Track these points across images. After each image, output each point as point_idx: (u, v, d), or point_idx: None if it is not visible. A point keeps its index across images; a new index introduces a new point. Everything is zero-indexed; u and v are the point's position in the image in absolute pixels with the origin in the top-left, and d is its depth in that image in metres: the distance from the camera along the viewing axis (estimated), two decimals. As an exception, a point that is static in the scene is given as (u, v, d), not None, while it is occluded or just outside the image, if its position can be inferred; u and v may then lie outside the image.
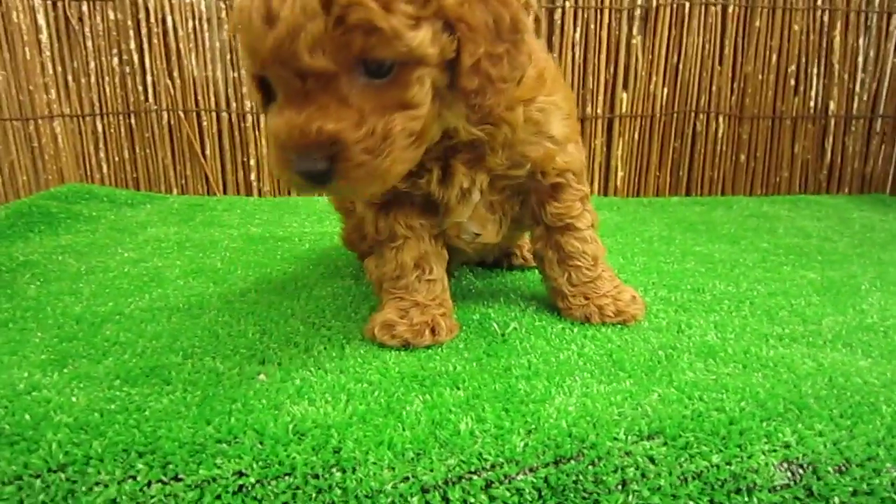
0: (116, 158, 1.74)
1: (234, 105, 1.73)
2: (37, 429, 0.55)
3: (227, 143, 1.75)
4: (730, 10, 1.72)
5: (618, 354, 0.71)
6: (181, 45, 1.68)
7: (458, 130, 0.70)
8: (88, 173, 1.73)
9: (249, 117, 1.73)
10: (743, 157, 1.80)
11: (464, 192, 0.77)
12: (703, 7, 1.71)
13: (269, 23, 0.53)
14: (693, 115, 1.78)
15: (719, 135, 1.79)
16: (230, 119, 1.73)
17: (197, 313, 0.84)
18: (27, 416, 0.56)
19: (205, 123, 1.73)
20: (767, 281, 1.00)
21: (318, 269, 1.05)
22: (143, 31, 1.67)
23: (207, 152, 1.75)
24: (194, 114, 1.73)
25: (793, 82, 1.76)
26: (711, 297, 0.91)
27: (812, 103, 1.78)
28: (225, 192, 1.78)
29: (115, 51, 1.68)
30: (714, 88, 1.76)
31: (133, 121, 1.73)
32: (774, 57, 1.74)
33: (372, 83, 0.56)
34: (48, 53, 1.62)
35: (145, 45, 1.68)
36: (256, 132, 1.74)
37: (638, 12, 1.71)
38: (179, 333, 0.77)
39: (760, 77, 1.75)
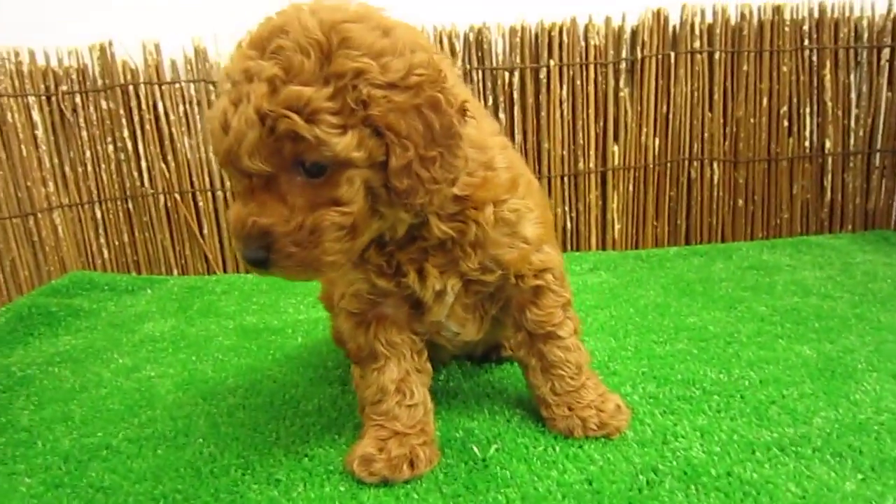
0: (116, 243, 1.77)
1: (227, 184, 1.75)
2: None
3: (224, 222, 1.77)
4: (716, 56, 1.71)
5: (598, 482, 0.70)
6: (174, 130, 1.71)
7: (431, 227, 0.71)
8: (90, 259, 1.75)
9: (244, 194, 1.75)
10: (741, 202, 1.78)
11: (438, 293, 0.77)
12: (688, 56, 1.70)
13: (224, 130, 0.60)
14: (687, 162, 1.76)
15: (715, 181, 1.77)
16: (225, 197, 1.75)
17: (182, 443, 0.85)
18: None
19: (201, 203, 1.75)
20: (761, 364, 0.98)
21: (307, 374, 1.05)
22: (136, 118, 1.70)
23: (205, 231, 1.77)
24: (190, 195, 1.75)
25: (786, 123, 1.74)
26: (701, 392, 0.90)
27: (807, 143, 1.75)
28: (225, 270, 1.80)
29: (109, 139, 1.71)
30: (706, 135, 1.75)
31: (131, 205, 1.75)
32: (765, 100, 1.73)
33: (309, 181, 0.62)
34: (44, 147, 1.65)
35: (138, 132, 1.71)
36: (252, 208, 1.76)
37: (623, 65, 1.71)
38: (163, 473, 0.77)
39: (753, 120, 1.74)
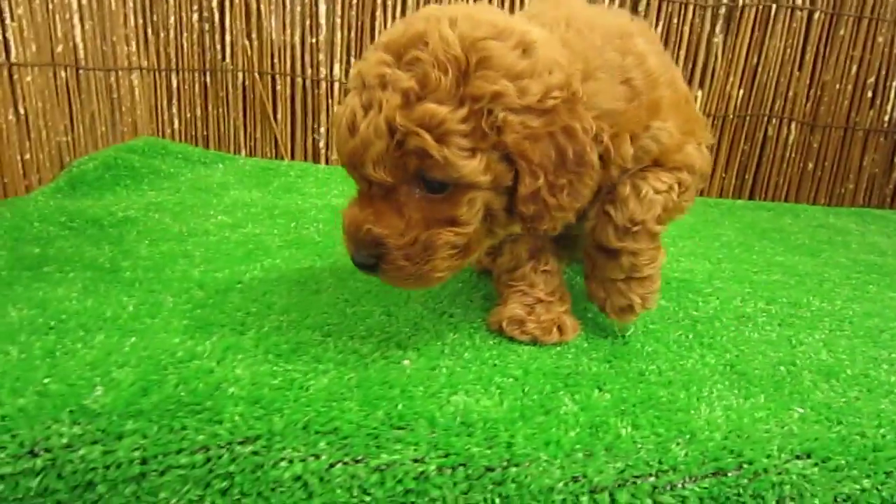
0: (188, 115, 1.75)
1: (309, 71, 1.73)
2: (213, 399, 0.57)
3: (300, 109, 1.75)
4: (815, 16, 1.70)
5: (739, 366, 0.73)
6: (262, 7, 1.68)
7: None
8: (160, 128, 1.74)
9: (324, 84, 1.73)
10: (810, 166, 1.80)
11: (578, 214, 0.78)
12: (789, 11, 1.69)
13: (351, 132, 0.60)
14: (766, 119, 1.77)
15: (790, 141, 1.78)
16: (304, 85, 1.74)
17: (315, 288, 0.86)
18: (200, 386, 0.59)
19: (279, 87, 1.74)
20: (859, 300, 1.01)
21: (415, 250, 1.06)
22: (226, -11, 1.66)
23: (279, 115, 1.76)
24: (269, 76, 1.73)
25: (870, 94, 1.75)
26: (810, 314, 0.93)
27: (887, 117, 1.76)
28: (293, 158, 1.79)
29: (195, 7, 1.68)
30: (790, 94, 1.75)
31: (208, 79, 1.73)
32: (854, 67, 1.73)
33: (428, 196, 0.62)
34: (131, 5, 1.62)
35: (227, 4, 1.67)
36: (329, 100, 1.74)
37: (723, 10, 1.70)
38: (307, 309, 0.79)
39: (838, 86, 1.74)
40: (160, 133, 1.74)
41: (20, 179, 1.32)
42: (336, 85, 1.74)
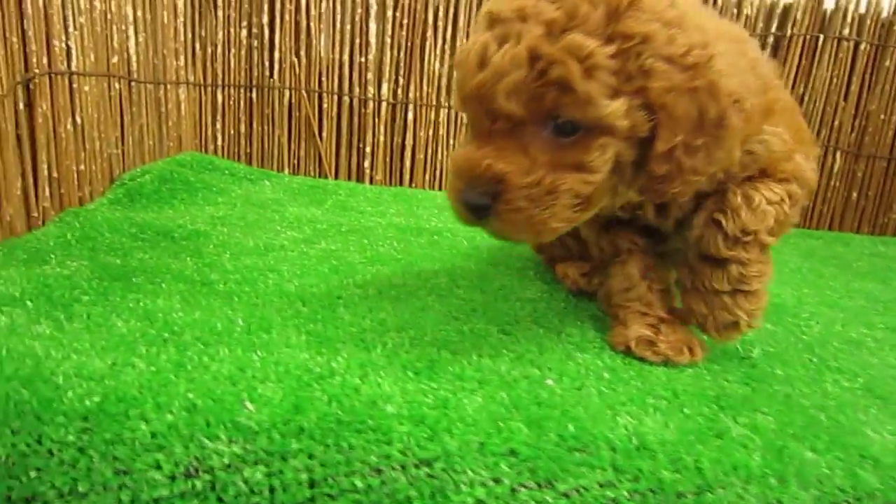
0: (232, 131, 1.73)
1: (357, 90, 1.71)
2: (373, 418, 0.53)
3: (345, 128, 1.74)
4: (861, 46, 1.71)
5: (878, 390, 0.70)
6: (312, 25, 1.67)
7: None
8: (203, 143, 1.71)
9: (371, 104, 1.72)
10: (855, 195, 1.80)
11: (679, 223, 0.76)
12: (835, 41, 1.71)
13: (480, 66, 0.58)
14: (811, 147, 1.77)
15: (834, 170, 1.78)
16: (351, 103, 1.72)
17: (419, 305, 0.83)
18: (355, 404, 0.55)
19: (325, 105, 1.72)
20: (951, 327, 0.99)
21: (500, 269, 1.04)
22: (277, 6, 1.65)
23: (324, 134, 1.73)
24: (316, 94, 1.71)
25: (913, 125, 1.76)
26: (916, 340, 0.91)
27: (930, 148, 1.77)
28: (337, 177, 1.77)
29: (244, 23, 1.66)
30: (836, 123, 1.76)
31: (254, 95, 1.71)
32: (899, 98, 1.74)
33: (555, 139, 0.59)
34: (182, 19, 1.60)
35: (277, 21, 1.66)
36: (376, 119, 1.73)
37: (770, 40, 1.71)
38: (421, 326, 0.76)
39: (883, 116, 1.75)
40: (204, 148, 1.71)
41: (75, 190, 1.29)
42: (384, 104, 1.72)
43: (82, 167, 1.31)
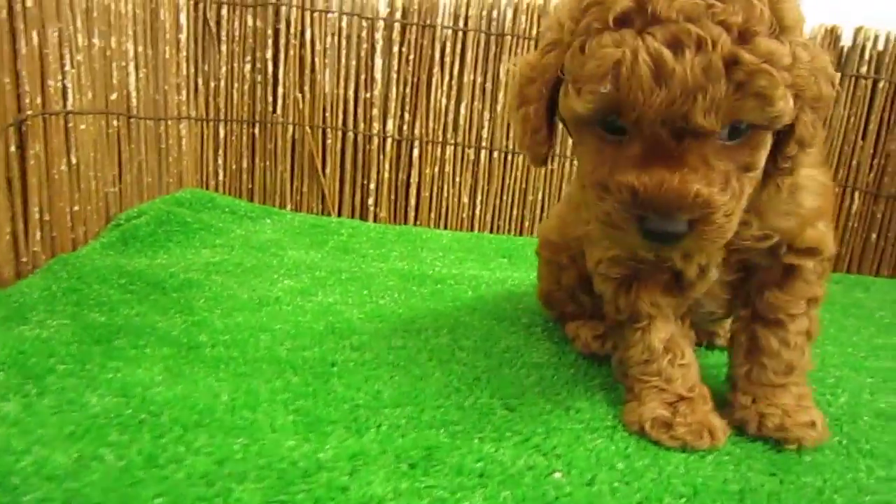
0: (234, 167, 1.69)
1: (361, 126, 1.68)
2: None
3: (349, 164, 1.70)
4: (880, 85, 1.66)
5: (916, 484, 0.64)
6: (317, 60, 1.64)
7: None
8: (205, 179, 1.67)
9: (376, 140, 1.68)
10: (874, 237, 1.74)
11: (702, 268, 0.71)
12: (852, 80, 1.66)
13: (659, 80, 0.51)
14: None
15: (853, 211, 1.73)
16: (355, 140, 1.68)
17: (418, 374, 0.78)
18: (340, 508, 0.50)
19: (329, 141, 1.68)
20: None
21: (504, 326, 0.98)
22: (282, 41, 1.62)
23: (328, 171, 1.70)
24: (320, 130, 1.68)
25: (935, 165, 1.70)
26: (954, 411, 0.85)
27: (952, 189, 1.72)
28: (340, 214, 1.72)
29: (248, 58, 1.63)
30: (854, 163, 1.71)
31: (256, 130, 1.68)
32: (920, 137, 1.69)
33: (726, 144, 0.55)
34: (184, 54, 1.57)
35: (281, 56, 1.63)
36: (381, 155, 1.69)
37: (786, 77, 1.66)
38: (420, 401, 0.71)
39: (902, 156, 1.70)
40: (205, 184, 1.68)
41: (68, 233, 1.25)
42: (388, 141, 1.68)
43: (76, 208, 1.27)
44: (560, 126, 0.68)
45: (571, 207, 0.88)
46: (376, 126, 1.68)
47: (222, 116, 1.66)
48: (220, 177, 1.69)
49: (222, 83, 1.64)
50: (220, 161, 1.69)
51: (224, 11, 1.61)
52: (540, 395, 0.75)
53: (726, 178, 0.55)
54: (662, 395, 0.70)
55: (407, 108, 1.67)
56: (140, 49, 1.44)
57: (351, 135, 1.68)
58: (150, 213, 1.31)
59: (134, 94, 1.44)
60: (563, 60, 0.58)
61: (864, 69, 1.66)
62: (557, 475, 0.58)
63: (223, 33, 1.62)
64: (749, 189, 0.58)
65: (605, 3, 0.54)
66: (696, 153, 0.54)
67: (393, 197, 1.73)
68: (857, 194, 1.72)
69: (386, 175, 1.70)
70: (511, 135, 1.65)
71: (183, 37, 1.57)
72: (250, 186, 1.71)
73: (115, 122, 1.39)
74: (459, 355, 0.85)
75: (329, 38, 1.64)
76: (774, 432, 0.69)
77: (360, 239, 1.49)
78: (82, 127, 1.27)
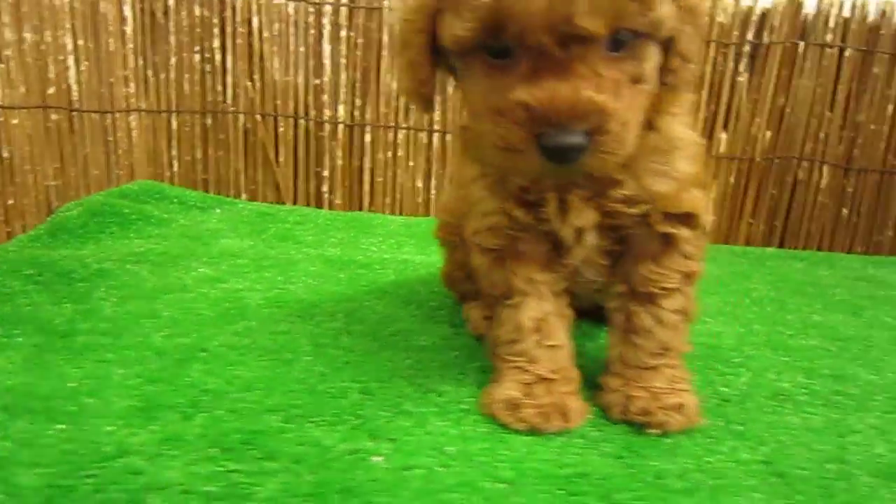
0: (188, 158, 1.69)
1: (312, 113, 1.66)
2: (136, 511, 0.47)
3: (302, 152, 1.68)
4: (847, 53, 1.59)
5: (779, 464, 0.61)
6: (265, 48, 1.62)
7: None
8: (159, 171, 1.68)
9: (327, 126, 1.66)
10: (845, 212, 1.67)
11: (578, 232, 0.68)
12: (818, 48, 1.59)
13: None
14: (796, 162, 1.65)
15: (822, 185, 1.66)
16: (307, 127, 1.67)
17: (288, 358, 0.77)
18: (122, 496, 0.49)
19: (281, 129, 1.67)
20: (911, 367, 0.88)
21: (409, 310, 0.96)
22: (228, 30, 1.61)
23: (281, 159, 1.69)
24: (271, 119, 1.67)
25: (909, 135, 1.63)
26: (858, 391, 0.80)
27: (928, 160, 1.64)
28: (295, 202, 1.71)
29: (197, 48, 1.63)
30: (821, 136, 1.64)
31: (209, 121, 1.67)
32: (891, 107, 1.61)
33: (611, 55, 0.54)
34: (131, 45, 1.57)
35: (228, 45, 1.62)
36: (333, 142, 1.67)
37: (747, 48, 1.60)
38: (273, 385, 0.69)
39: (873, 127, 1.62)
40: (159, 176, 1.68)
41: (3, 226, 1.26)
42: (340, 127, 1.67)
43: (11, 201, 1.29)
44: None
45: (457, 185, 0.85)
46: (327, 112, 1.66)
47: (174, 108, 1.66)
48: (175, 168, 1.69)
49: (172, 74, 1.64)
50: (174, 152, 1.69)
51: (171, 2, 1.60)
52: (407, 378, 0.73)
53: (617, 87, 0.54)
54: (521, 376, 0.68)
55: (357, 93, 1.65)
56: (80, 42, 1.45)
57: (302, 122, 1.67)
58: (85, 205, 1.32)
59: (75, 87, 1.45)
60: None
61: (829, 37, 1.59)
62: (375, 459, 0.56)
63: (171, 24, 1.61)
64: (642, 102, 0.57)
65: None
66: (584, 63, 0.53)
67: (347, 183, 1.71)
68: (826, 168, 1.65)
69: (339, 162, 1.69)
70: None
71: (128, 29, 1.57)
72: (205, 177, 1.71)
73: (53, 116, 1.39)
74: (343, 340, 0.83)
75: (276, 25, 1.62)
76: (637, 416, 0.66)
77: (307, 226, 1.48)
78: (15, 121, 1.28)
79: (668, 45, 0.59)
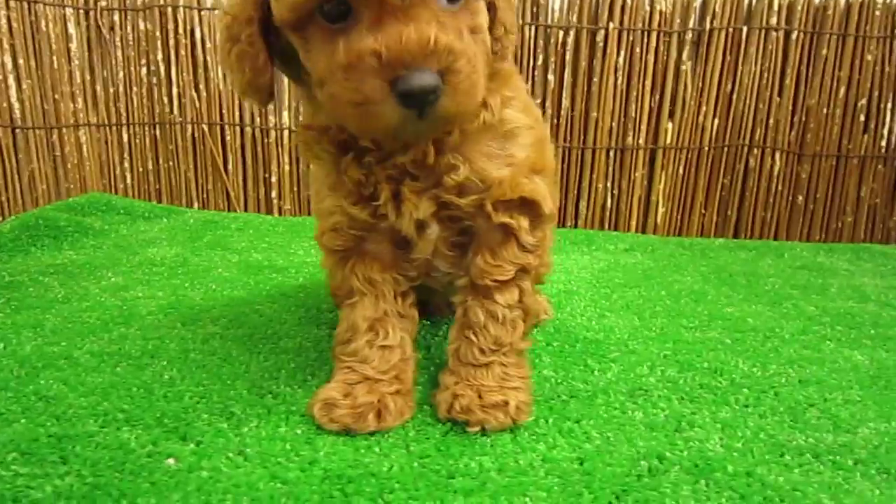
0: (140, 169, 1.73)
1: (257, 120, 1.68)
2: None
3: (250, 159, 1.71)
4: (793, 36, 1.55)
5: (591, 462, 0.60)
6: (209, 58, 1.65)
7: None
8: (112, 183, 1.71)
9: (273, 133, 1.68)
10: (801, 199, 1.63)
11: (419, 226, 0.68)
12: (762, 32, 1.55)
13: None
14: (746, 149, 1.62)
15: (775, 172, 1.62)
16: (253, 134, 1.69)
17: (146, 363, 0.78)
18: None
19: (228, 138, 1.69)
20: (802, 362, 0.86)
21: (297, 313, 0.97)
22: (172, 42, 1.64)
23: (230, 167, 1.71)
24: (218, 127, 1.69)
25: (862, 118, 1.58)
26: (728, 383, 0.78)
27: (884, 142, 1.59)
28: (246, 209, 1.74)
29: (143, 61, 1.66)
30: (771, 122, 1.60)
31: (158, 132, 1.70)
32: (843, 89, 1.57)
33: (447, 8, 0.56)
34: (77, 62, 1.61)
35: (172, 57, 1.65)
36: (279, 148, 1.69)
37: (689, 36, 1.57)
38: (114, 390, 0.70)
39: (825, 111, 1.58)
40: (113, 189, 1.72)
41: (-63, 243, 1.30)
42: (285, 133, 1.68)
43: (-51, 219, 1.33)
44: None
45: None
46: (272, 119, 1.68)
47: (124, 120, 1.70)
48: (128, 180, 1.73)
49: (121, 88, 1.68)
50: (127, 164, 1.72)
51: (116, 17, 1.64)
52: (252, 381, 0.73)
53: (459, 33, 0.55)
54: (349, 376, 0.68)
55: (300, 98, 1.66)
56: (21, 62, 1.48)
57: (249, 130, 1.69)
58: (19, 219, 1.35)
59: (17, 105, 1.49)
60: None
61: (773, 20, 1.55)
62: (169, 462, 0.57)
63: (117, 38, 1.65)
64: (482, 51, 0.59)
65: None
66: (424, 10, 0.54)
67: (296, 189, 1.72)
68: (777, 155, 1.61)
69: (287, 167, 1.70)
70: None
71: (74, 46, 1.60)
72: (157, 187, 1.74)
73: (-6, 134, 1.44)
74: (212, 344, 0.84)
75: (219, 35, 1.64)
76: (459, 415, 0.65)
77: (245, 233, 1.50)
78: (-49, 140, 1.33)
79: (493, 15, 0.63)
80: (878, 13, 1.52)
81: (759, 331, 0.97)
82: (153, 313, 0.95)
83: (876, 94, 1.57)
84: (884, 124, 1.58)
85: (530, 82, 1.60)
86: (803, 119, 1.59)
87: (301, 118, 0.72)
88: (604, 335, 0.92)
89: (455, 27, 0.55)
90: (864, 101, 1.57)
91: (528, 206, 0.68)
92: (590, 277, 1.23)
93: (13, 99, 1.47)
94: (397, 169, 0.64)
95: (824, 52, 1.55)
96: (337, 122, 0.63)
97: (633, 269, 1.31)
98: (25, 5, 1.50)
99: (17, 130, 1.49)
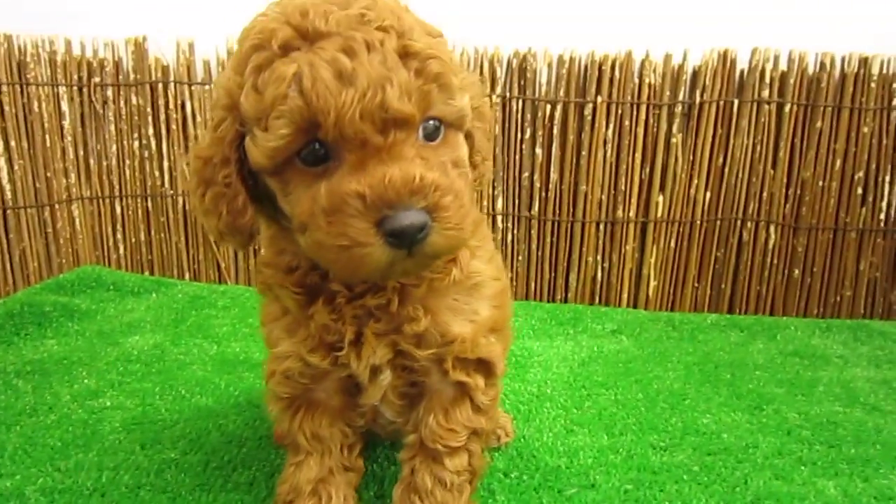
0: (133, 240, 1.74)
1: (247, 192, 1.69)
2: None
3: (239, 231, 1.71)
4: (786, 108, 1.52)
5: None
6: (199, 131, 1.66)
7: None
8: (105, 254, 1.73)
9: (262, 205, 1.68)
10: (797, 273, 1.59)
11: (374, 371, 0.66)
12: (754, 105, 1.52)
13: (343, 80, 0.50)
14: (739, 222, 1.58)
15: (769, 246, 1.58)
16: (243, 206, 1.69)
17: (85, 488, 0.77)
18: None
19: (218, 209, 1.70)
20: (770, 500, 0.82)
21: (260, 429, 0.96)
22: (163, 116, 1.66)
23: (219, 238, 1.72)
24: (208, 200, 1.70)
25: (860, 191, 1.54)
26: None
27: (882, 215, 1.54)
28: (236, 280, 1.74)
29: (135, 135, 1.68)
30: (765, 195, 1.56)
31: (150, 204, 1.72)
32: (839, 162, 1.53)
33: (428, 144, 0.56)
34: (70, 138, 1.64)
35: (163, 131, 1.67)
36: (268, 221, 1.69)
37: (679, 108, 1.55)
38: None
39: (821, 184, 1.54)
40: (105, 260, 1.74)
41: (-76, 332, 1.32)
42: (274, 205, 1.68)
43: (-62, 305, 1.35)
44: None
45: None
46: (262, 191, 1.69)
47: (117, 193, 1.72)
48: (121, 251, 1.75)
49: (114, 161, 1.70)
50: (119, 236, 1.74)
51: (109, 93, 1.66)
52: (195, 533, 0.73)
53: (443, 168, 0.55)
54: (284, 543, 0.66)
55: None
56: (13, 143, 1.51)
57: (238, 202, 1.70)
58: (5, 307, 1.37)
59: (8, 186, 1.51)
60: (238, 118, 0.55)
61: (765, 93, 1.52)
62: None
63: (110, 113, 1.67)
64: (465, 185, 0.58)
65: (265, 41, 0.53)
66: (405, 148, 0.53)
67: (285, 260, 1.72)
68: (772, 228, 1.58)
69: (276, 239, 1.71)
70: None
71: (67, 123, 1.63)
72: (150, 258, 1.76)
73: (-14, 216, 1.46)
74: (164, 478, 0.83)
75: (209, 109, 1.66)
76: None
77: (231, 312, 1.50)
78: (-59, 227, 1.35)
79: (470, 144, 0.63)
80: (873, 85, 1.49)
81: (731, 452, 0.94)
82: (116, 432, 0.95)
83: (873, 166, 1.52)
84: (882, 197, 1.53)
85: (518, 156, 1.58)
86: (798, 192, 1.56)
87: (261, 253, 0.71)
88: (567, 460, 0.90)
89: (438, 163, 0.55)
90: (861, 174, 1.53)
91: (484, 365, 0.68)
92: (567, 375, 1.20)
93: (4, 181, 1.50)
94: (364, 309, 0.63)
95: (819, 124, 1.52)
96: (323, 266, 0.60)
97: (614, 361, 1.28)
98: (18, 88, 1.53)
99: (9, 211, 1.51)
